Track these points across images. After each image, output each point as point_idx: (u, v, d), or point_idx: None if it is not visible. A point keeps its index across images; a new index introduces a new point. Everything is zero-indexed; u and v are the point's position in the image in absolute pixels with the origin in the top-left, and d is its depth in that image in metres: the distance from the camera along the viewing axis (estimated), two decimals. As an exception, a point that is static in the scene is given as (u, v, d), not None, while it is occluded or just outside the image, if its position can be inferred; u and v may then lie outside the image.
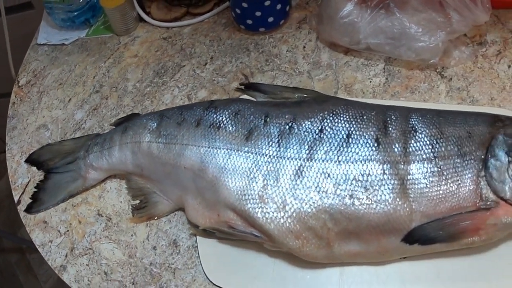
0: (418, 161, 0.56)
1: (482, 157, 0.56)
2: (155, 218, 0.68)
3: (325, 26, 0.81)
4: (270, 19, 0.86)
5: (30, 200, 0.73)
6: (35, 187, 0.73)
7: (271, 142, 0.60)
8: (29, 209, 0.72)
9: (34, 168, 0.77)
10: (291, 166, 0.58)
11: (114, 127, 0.75)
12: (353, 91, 0.78)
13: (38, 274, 1.54)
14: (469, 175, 0.55)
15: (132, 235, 0.68)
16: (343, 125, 0.60)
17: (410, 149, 0.57)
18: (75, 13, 0.95)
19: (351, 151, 0.58)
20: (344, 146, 0.58)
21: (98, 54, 0.93)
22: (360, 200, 0.55)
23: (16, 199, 0.74)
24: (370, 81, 0.79)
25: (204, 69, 0.87)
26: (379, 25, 0.74)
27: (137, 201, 0.70)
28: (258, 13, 0.84)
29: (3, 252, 1.64)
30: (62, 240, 0.69)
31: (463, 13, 0.72)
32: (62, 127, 0.82)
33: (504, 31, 0.82)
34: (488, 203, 0.55)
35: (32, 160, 0.78)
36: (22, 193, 0.75)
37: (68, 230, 0.69)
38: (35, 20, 1.04)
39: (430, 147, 0.57)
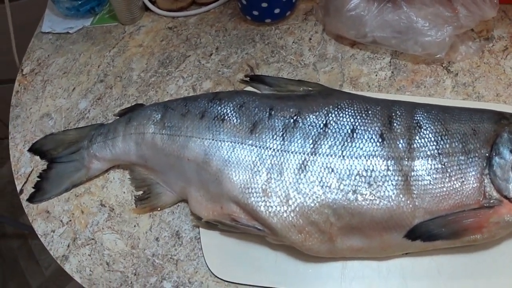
0: (422, 158, 0.56)
1: (487, 154, 0.56)
2: (158, 209, 0.69)
3: (331, 19, 0.81)
4: (277, 10, 0.85)
5: (33, 190, 0.73)
6: (38, 177, 0.73)
7: (275, 136, 0.60)
8: (31, 199, 0.72)
9: (37, 158, 0.76)
10: (295, 160, 0.58)
11: (118, 117, 0.75)
12: (359, 84, 0.78)
13: (39, 260, 1.55)
14: (473, 173, 0.55)
15: (135, 226, 0.68)
16: (348, 119, 0.60)
17: (415, 145, 0.57)
18: (80, 2, 0.94)
19: (355, 146, 0.58)
20: (349, 141, 0.58)
21: (103, 43, 0.92)
22: (364, 195, 0.55)
23: (18, 188, 0.74)
24: (376, 75, 0.79)
25: (209, 60, 0.86)
26: (385, 19, 0.74)
27: (140, 192, 0.70)
28: (264, 4, 0.83)
29: (5, 237, 1.65)
30: (64, 230, 0.69)
31: (470, 8, 0.72)
32: (65, 116, 0.82)
33: (511, 27, 0.81)
34: (492, 201, 0.54)
35: (35, 150, 0.77)
36: (25, 182, 0.74)
37: (70, 220, 0.69)
38: (40, 7, 1.03)
39: (435, 143, 0.57)
